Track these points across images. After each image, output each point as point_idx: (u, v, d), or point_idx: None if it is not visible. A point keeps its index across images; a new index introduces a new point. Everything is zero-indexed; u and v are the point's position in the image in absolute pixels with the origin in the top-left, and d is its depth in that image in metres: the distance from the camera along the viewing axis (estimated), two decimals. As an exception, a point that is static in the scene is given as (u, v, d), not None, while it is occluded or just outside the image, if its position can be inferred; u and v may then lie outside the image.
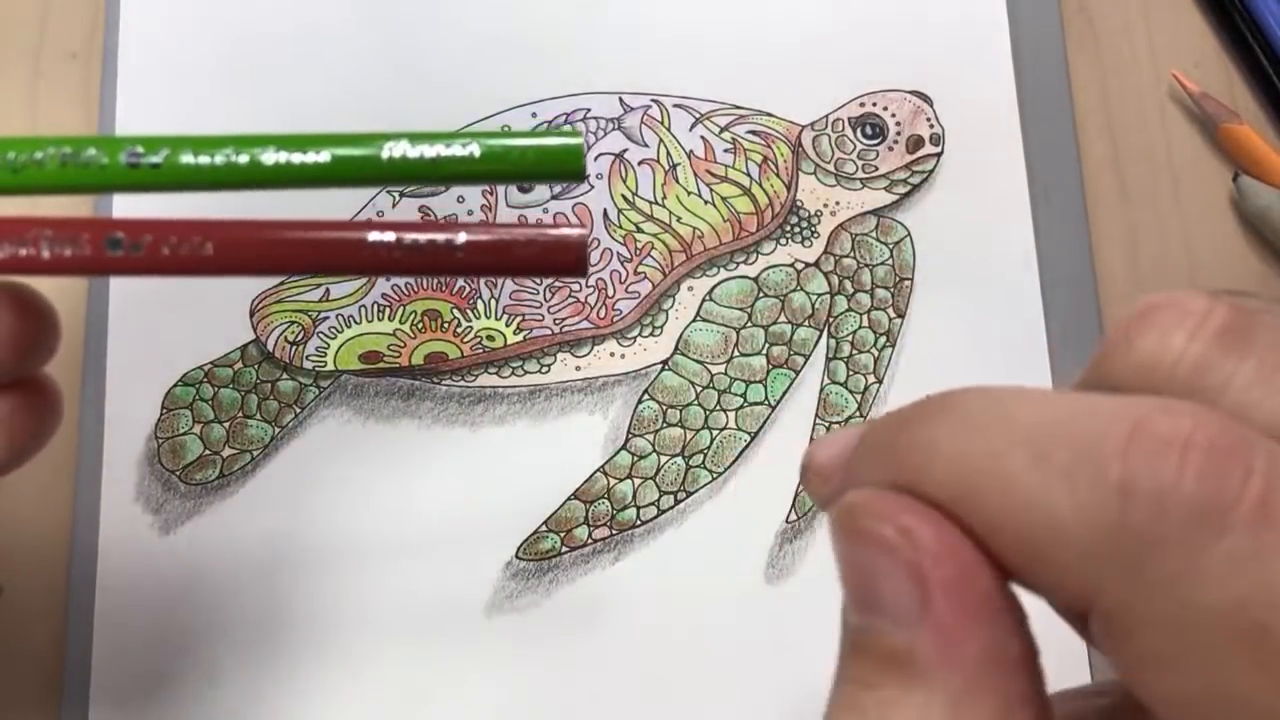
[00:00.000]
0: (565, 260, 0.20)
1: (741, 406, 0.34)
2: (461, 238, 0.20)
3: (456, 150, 0.20)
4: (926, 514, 0.15)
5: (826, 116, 0.36)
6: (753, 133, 0.36)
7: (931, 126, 0.36)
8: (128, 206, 0.35)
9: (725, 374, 0.35)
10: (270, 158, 0.20)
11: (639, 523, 0.34)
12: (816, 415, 0.35)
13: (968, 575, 0.14)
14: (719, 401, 0.34)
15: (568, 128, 0.20)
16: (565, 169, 0.20)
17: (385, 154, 0.20)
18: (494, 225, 0.21)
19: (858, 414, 0.35)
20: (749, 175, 0.36)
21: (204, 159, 0.20)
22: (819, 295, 0.35)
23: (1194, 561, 0.13)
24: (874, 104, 0.36)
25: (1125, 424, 0.14)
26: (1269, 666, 0.13)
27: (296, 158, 0.20)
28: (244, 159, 0.20)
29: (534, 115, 0.36)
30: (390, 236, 0.20)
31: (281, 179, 0.20)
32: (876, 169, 0.36)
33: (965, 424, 0.15)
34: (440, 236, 0.20)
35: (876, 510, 0.15)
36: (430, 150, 0.20)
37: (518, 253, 0.20)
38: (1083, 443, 0.14)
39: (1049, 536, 0.14)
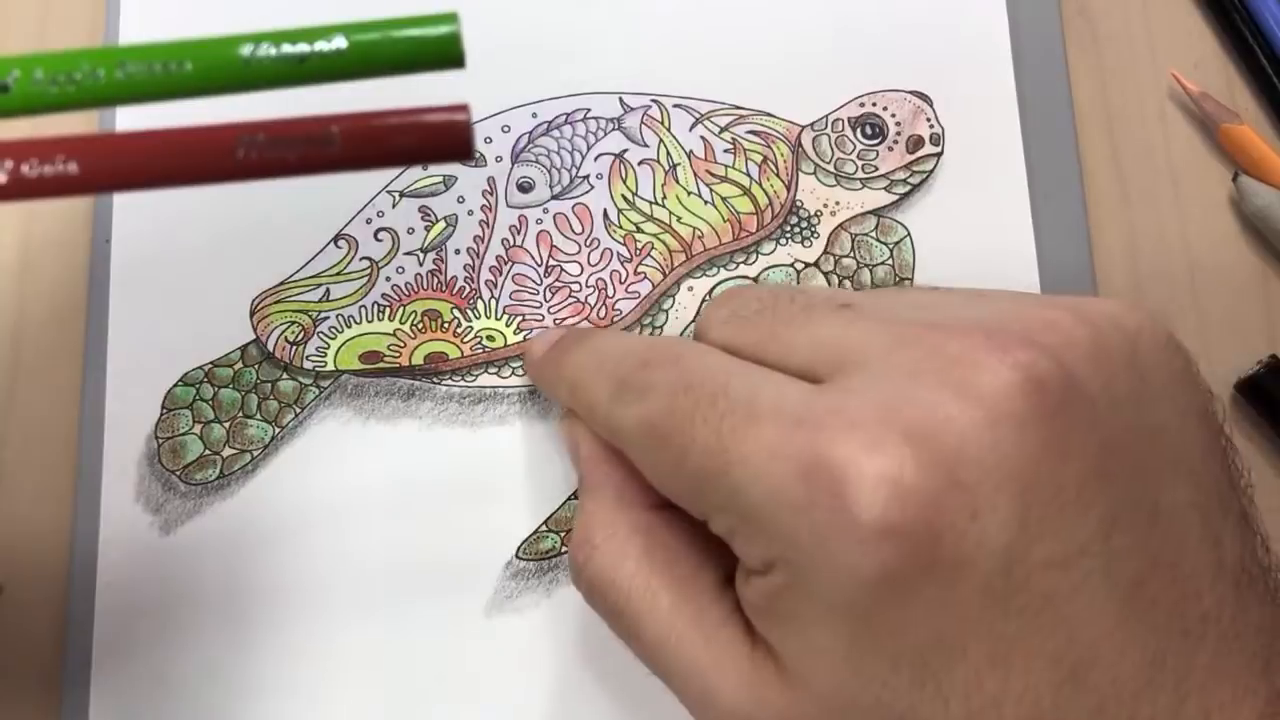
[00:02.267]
0: (451, 145, 0.19)
1: (741, 406, 0.34)
2: (335, 129, 0.19)
3: (322, 46, 0.19)
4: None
5: (826, 116, 0.36)
6: (753, 133, 0.36)
7: (931, 126, 0.36)
8: None
9: (725, 374, 0.35)
10: (125, 72, 0.19)
11: (639, 523, 0.34)
12: (816, 415, 0.35)
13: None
14: (719, 401, 0.34)
15: (445, 13, 0.19)
16: (443, 56, 0.19)
17: (245, 53, 0.19)
18: (370, 114, 0.20)
19: (858, 414, 0.34)
20: (749, 175, 0.36)
21: (59, 77, 0.18)
22: (819, 295, 0.35)
23: None
24: (874, 104, 0.36)
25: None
26: None
27: (157, 69, 0.19)
28: (100, 74, 0.18)
29: (534, 115, 0.36)
30: (261, 137, 0.19)
31: (142, 93, 0.19)
32: (876, 169, 0.36)
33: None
34: (313, 130, 0.19)
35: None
36: (294, 48, 0.19)
37: (398, 141, 0.19)
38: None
39: None
